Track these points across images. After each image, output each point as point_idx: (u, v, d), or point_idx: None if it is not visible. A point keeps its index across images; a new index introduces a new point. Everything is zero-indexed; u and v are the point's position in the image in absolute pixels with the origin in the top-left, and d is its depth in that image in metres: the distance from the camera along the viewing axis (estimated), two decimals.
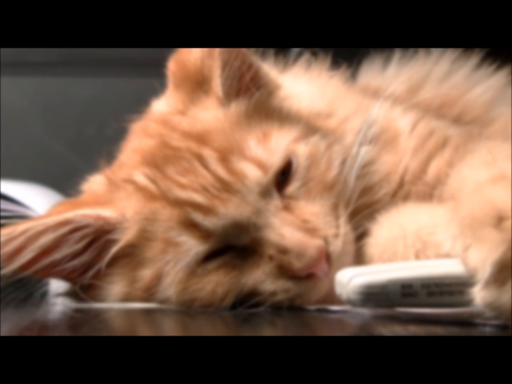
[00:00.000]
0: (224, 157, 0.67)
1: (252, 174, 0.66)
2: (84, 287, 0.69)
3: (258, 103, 0.73)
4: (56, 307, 0.70)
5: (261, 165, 0.66)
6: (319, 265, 0.64)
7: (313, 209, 0.67)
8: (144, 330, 0.63)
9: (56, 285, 0.75)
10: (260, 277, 0.65)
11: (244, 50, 0.72)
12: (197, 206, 0.65)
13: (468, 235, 0.50)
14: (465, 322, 0.53)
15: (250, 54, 0.74)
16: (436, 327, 0.55)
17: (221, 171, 0.66)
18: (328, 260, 0.65)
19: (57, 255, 0.67)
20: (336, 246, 0.66)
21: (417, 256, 0.62)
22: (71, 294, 0.72)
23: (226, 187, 0.65)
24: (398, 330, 0.55)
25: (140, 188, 0.69)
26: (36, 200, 0.93)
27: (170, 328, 0.64)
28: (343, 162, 0.72)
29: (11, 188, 0.92)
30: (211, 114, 0.71)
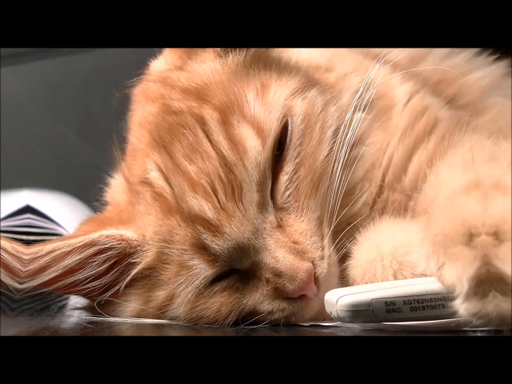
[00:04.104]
0: (225, 120, 0.68)
1: (252, 146, 0.67)
2: (101, 303, 0.71)
3: (257, 54, 0.73)
4: (70, 319, 0.73)
5: (259, 130, 0.67)
6: (309, 287, 0.67)
7: (301, 228, 0.69)
8: None
9: (75, 300, 0.78)
10: (259, 299, 0.68)
11: None
12: (206, 223, 0.66)
13: (441, 254, 0.50)
14: (454, 330, 0.53)
15: None
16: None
17: (223, 142, 0.67)
18: (316, 282, 0.67)
19: (79, 276, 0.69)
20: (322, 268, 0.68)
21: (395, 277, 0.64)
22: (88, 308, 0.74)
23: (230, 176, 0.66)
24: None
25: (156, 195, 0.70)
26: (65, 215, 0.94)
27: None
28: (336, 133, 0.72)
29: (41, 201, 0.94)
30: (208, 66, 0.72)
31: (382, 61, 0.77)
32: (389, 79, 0.79)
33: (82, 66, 1.48)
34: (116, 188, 0.79)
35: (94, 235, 0.69)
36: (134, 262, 0.71)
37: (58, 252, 0.67)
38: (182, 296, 0.69)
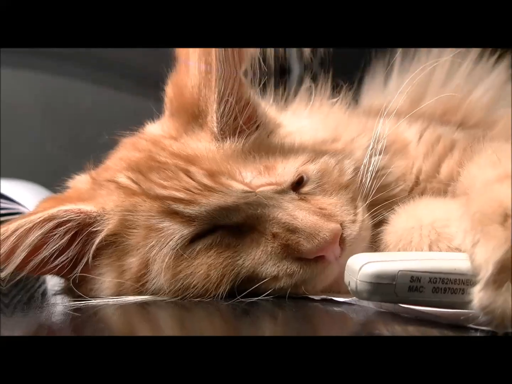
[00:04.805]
0: (213, 175, 0.66)
1: (239, 188, 0.65)
2: (77, 282, 0.68)
3: (257, 141, 0.71)
4: (57, 308, 0.69)
5: (268, 184, 0.66)
6: (331, 248, 0.62)
7: (330, 201, 0.66)
8: (142, 328, 0.62)
9: (53, 283, 0.76)
10: (260, 258, 0.62)
11: (242, 79, 0.71)
12: (178, 200, 0.65)
13: (478, 230, 0.50)
14: (459, 326, 0.53)
15: (247, 87, 0.73)
16: (433, 329, 0.54)
17: (207, 181, 0.65)
18: (341, 243, 0.63)
19: (45, 252, 0.67)
20: (352, 230, 0.64)
21: (430, 248, 0.63)
22: (67, 291, 0.72)
23: (209, 189, 0.65)
24: (398, 330, 0.55)
25: (121, 187, 0.70)
26: (26, 196, 0.98)
27: (167, 323, 0.63)
28: (356, 169, 0.72)
29: (7, 187, 0.98)
30: (203, 145, 0.69)
31: (384, 113, 0.76)
32: (396, 128, 0.78)
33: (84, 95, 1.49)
34: (79, 180, 0.77)
35: (52, 210, 0.67)
36: (96, 231, 0.69)
37: (21, 230, 0.65)
38: (158, 261, 0.65)
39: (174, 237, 0.63)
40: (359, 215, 0.67)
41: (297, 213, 0.62)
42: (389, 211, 0.69)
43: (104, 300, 0.67)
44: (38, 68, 1.45)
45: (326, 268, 0.63)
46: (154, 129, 0.78)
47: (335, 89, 0.87)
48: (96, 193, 0.71)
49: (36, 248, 0.66)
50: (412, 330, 0.55)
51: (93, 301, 0.66)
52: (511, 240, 0.47)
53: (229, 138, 0.70)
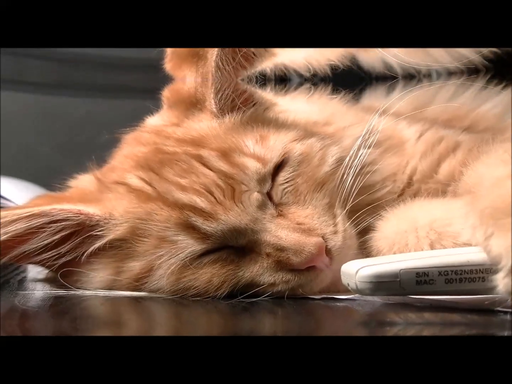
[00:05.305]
0: (225, 154, 0.66)
1: (253, 165, 0.65)
2: (64, 274, 0.66)
3: (254, 115, 0.72)
4: (35, 294, 0.66)
5: (260, 159, 0.66)
6: (319, 259, 0.63)
7: (306, 212, 0.66)
8: (134, 324, 0.59)
9: (36, 270, 0.73)
10: (257, 271, 0.64)
11: (237, 80, 0.73)
12: (198, 211, 0.64)
13: (490, 224, 0.49)
14: (485, 309, 0.51)
15: (244, 84, 0.74)
16: (453, 314, 0.53)
17: (224, 165, 0.65)
18: (328, 253, 0.64)
19: (31, 245, 0.65)
20: (335, 241, 0.64)
21: (432, 247, 0.60)
22: (50, 280, 0.69)
23: (229, 181, 0.64)
24: (412, 317, 0.54)
25: (133, 190, 0.67)
26: (17, 193, 0.95)
27: (162, 319, 0.62)
28: (340, 161, 0.70)
29: None
30: (205, 124, 0.70)
31: (382, 110, 0.74)
32: (394, 125, 0.77)
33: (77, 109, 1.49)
34: (83, 180, 0.74)
35: (45, 207, 0.65)
36: (98, 235, 0.66)
37: (2, 221, 0.63)
38: (164, 268, 0.64)
39: (186, 250, 0.63)
40: (339, 225, 0.67)
41: (279, 233, 0.64)
42: (374, 217, 0.67)
43: (93, 292, 0.65)
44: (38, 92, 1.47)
45: (319, 275, 0.64)
46: (154, 121, 0.77)
47: (335, 91, 0.88)
48: (103, 196, 0.68)
49: (19, 239, 0.64)
50: (429, 316, 0.53)
51: (79, 291, 0.64)
52: None
53: (228, 114, 0.71)
